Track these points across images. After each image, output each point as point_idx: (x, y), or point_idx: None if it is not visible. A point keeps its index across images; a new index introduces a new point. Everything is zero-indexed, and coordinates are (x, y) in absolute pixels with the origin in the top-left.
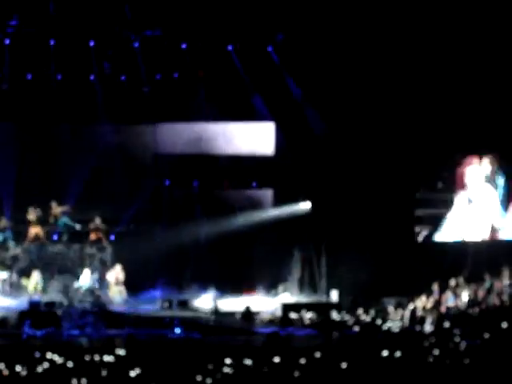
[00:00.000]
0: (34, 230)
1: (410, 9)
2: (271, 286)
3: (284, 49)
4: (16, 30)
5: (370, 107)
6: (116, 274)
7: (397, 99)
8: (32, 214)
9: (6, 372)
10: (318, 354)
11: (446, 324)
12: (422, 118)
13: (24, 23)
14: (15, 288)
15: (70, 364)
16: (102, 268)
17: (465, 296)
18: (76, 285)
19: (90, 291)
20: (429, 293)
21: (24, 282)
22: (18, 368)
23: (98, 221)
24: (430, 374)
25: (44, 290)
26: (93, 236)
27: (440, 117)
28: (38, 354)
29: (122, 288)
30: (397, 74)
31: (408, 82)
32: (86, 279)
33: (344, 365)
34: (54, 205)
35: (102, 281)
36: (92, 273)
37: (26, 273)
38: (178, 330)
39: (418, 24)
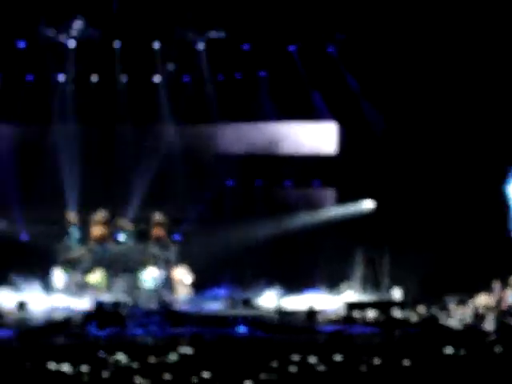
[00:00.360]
0: (98, 231)
1: (476, 4)
2: (334, 285)
3: (345, 48)
4: (80, 32)
5: (431, 104)
6: (182, 273)
7: (461, 95)
8: (98, 216)
9: (70, 372)
10: (380, 352)
11: (509, 321)
12: (489, 112)
13: (88, 25)
14: (79, 288)
15: (134, 364)
16: (167, 267)
17: None
18: (140, 284)
19: (155, 291)
20: (490, 290)
21: (87, 281)
22: (83, 368)
23: (158, 216)
24: (492, 371)
25: (108, 289)
26: (155, 232)
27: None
28: (102, 354)
29: (188, 288)
30: (462, 66)
31: (471, 76)
32: (150, 279)
33: (406, 362)
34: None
35: (166, 280)
36: (156, 272)
37: (89, 273)
38: (242, 329)
39: (481, 18)
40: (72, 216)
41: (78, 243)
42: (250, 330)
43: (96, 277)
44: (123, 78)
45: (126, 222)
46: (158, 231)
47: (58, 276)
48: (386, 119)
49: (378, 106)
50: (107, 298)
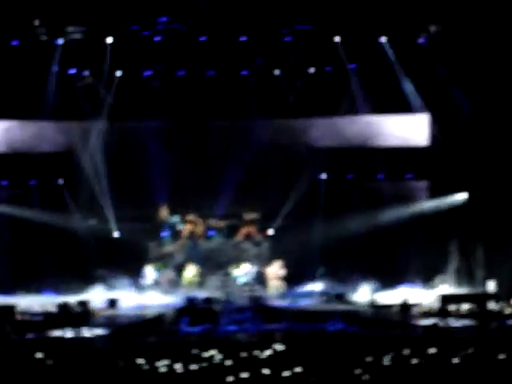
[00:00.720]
0: (190, 227)
1: None
2: (428, 278)
3: (435, 39)
4: (166, 27)
5: None
6: (276, 269)
7: None
8: (191, 216)
9: (163, 369)
10: (475, 346)
11: None
12: None
13: (174, 20)
14: (171, 285)
15: (228, 360)
16: (259, 263)
17: None
18: (233, 280)
19: (247, 287)
20: None
21: (181, 278)
22: (176, 365)
23: (249, 215)
24: None
25: (200, 285)
26: (246, 229)
27: None
28: (195, 351)
29: (281, 283)
30: None
31: None
32: (242, 275)
33: (502, 356)
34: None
35: (259, 276)
36: (248, 268)
37: (181, 269)
38: (336, 324)
39: None
40: (165, 212)
41: (171, 239)
42: (344, 324)
43: (189, 273)
44: (211, 73)
45: (217, 222)
46: (248, 229)
47: (150, 273)
48: (479, 109)
49: (470, 96)
50: (199, 294)
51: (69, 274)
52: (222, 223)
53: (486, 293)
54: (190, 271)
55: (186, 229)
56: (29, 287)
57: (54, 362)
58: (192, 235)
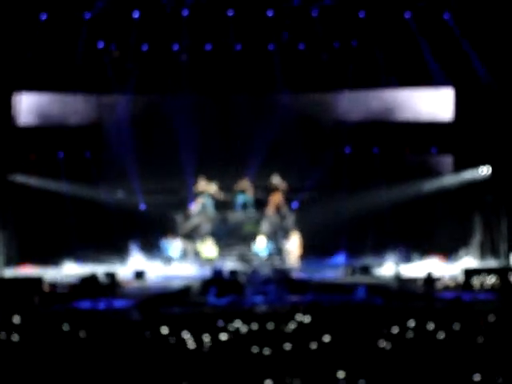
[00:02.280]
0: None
1: None
2: (452, 251)
3: (460, 14)
4: (194, 1)
5: None
6: (293, 240)
7: None
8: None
9: (189, 340)
10: (498, 319)
11: None
12: None
13: None
14: (197, 257)
15: (253, 332)
16: (284, 235)
17: None
18: (254, 252)
19: (269, 258)
20: None
21: (199, 251)
22: (203, 337)
23: (276, 180)
24: None
25: (219, 258)
26: (273, 199)
27: None
28: (221, 323)
29: (300, 256)
30: None
31: None
32: (262, 247)
33: None
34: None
35: (281, 249)
36: (270, 240)
37: (202, 242)
38: (361, 293)
39: None
40: (202, 185)
41: (211, 211)
42: (369, 296)
43: (206, 246)
44: (238, 47)
45: (248, 185)
46: (276, 198)
47: (176, 245)
48: (503, 83)
49: (494, 71)
50: (225, 266)
51: (96, 246)
52: (251, 190)
53: (510, 266)
54: (209, 244)
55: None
56: (56, 259)
57: (82, 334)
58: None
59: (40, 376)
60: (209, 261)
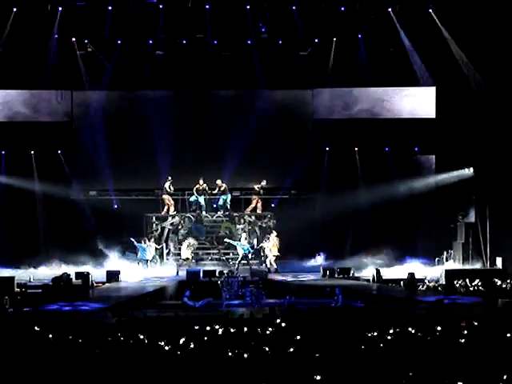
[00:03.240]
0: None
1: None
2: (434, 253)
3: (443, 9)
4: None
5: None
6: (272, 241)
7: None
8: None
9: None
10: (482, 323)
11: None
12: None
13: None
14: (173, 258)
15: (229, 335)
16: (262, 236)
17: None
18: (234, 254)
19: (249, 260)
20: None
21: (180, 252)
22: (179, 340)
23: (256, 185)
24: None
25: (200, 260)
26: (252, 202)
27: None
28: (197, 326)
29: (276, 256)
30: None
31: None
32: (244, 248)
33: (510, 334)
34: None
35: (261, 249)
36: (250, 241)
37: (182, 243)
38: (339, 298)
39: None
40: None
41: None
42: (348, 300)
43: (187, 247)
44: (214, 41)
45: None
46: (255, 201)
47: (151, 246)
48: (487, 82)
49: (479, 69)
50: (201, 267)
51: (68, 246)
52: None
53: (494, 269)
54: (189, 245)
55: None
56: (27, 259)
57: (51, 336)
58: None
59: (8, 377)
60: (186, 260)
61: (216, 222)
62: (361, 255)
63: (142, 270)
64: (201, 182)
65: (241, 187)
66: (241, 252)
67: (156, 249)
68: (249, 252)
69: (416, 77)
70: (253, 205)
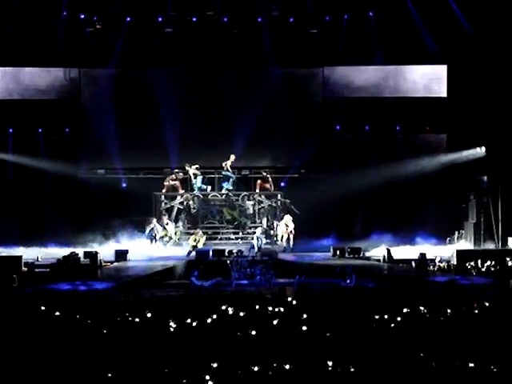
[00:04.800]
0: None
1: None
2: (446, 233)
3: None
4: None
5: None
6: (285, 222)
7: None
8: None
9: (172, 323)
10: (493, 303)
11: None
12: None
13: None
14: (182, 237)
15: (239, 314)
16: (272, 216)
17: None
18: (245, 233)
19: (259, 240)
20: None
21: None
22: (187, 319)
23: (264, 172)
24: None
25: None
26: (260, 184)
27: None
28: (206, 305)
29: (291, 236)
30: None
31: None
32: (255, 228)
33: None
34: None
35: (271, 229)
36: (261, 221)
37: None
38: (352, 279)
39: None
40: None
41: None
42: (359, 280)
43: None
44: (225, 19)
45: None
46: (263, 183)
47: (160, 225)
48: (498, 61)
49: (490, 47)
50: (211, 247)
51: (76, 225)
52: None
53: (505, 249)
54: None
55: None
56: (35, 238)
57: (58, 316)
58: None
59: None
60: (198, 241)
61: (226, 202)
62: (372, 234)
63: (152, 248)
64: (232, 157)
65: (250, 166)
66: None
67: (166, 227)
68: (259, 234)
69: (427, 55)
70: (260, 186)
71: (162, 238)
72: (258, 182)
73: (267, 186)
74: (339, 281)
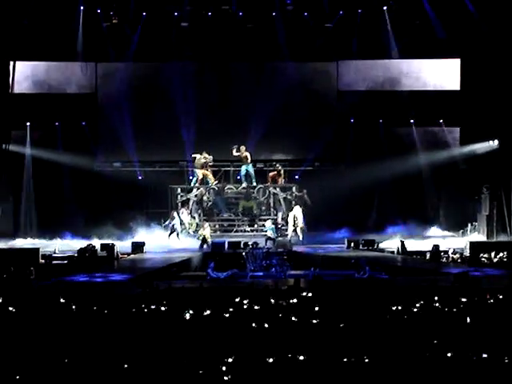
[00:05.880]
0: (202, 172)
1: None
2: (459, 225)
3: None
4: None
5: None
6: (294, 213)
7: None
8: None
9: (188, 315)
10: (507, 295)
11: None
12: None
13: None
14: (198, 229)
15: (254, 306)
16: (286, 208)
17: None
18: (259, 226)
19: (274, 232)
20: None
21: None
22: (203, 311)
23: (277, 165)
24: None
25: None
26: (273, 176)
27: None
28: (222, 297)
29: (298, 229)
30: None
31: None
32: (268, 220)
33: None
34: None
35: (284, 221)
36: (276, 213)
37: (206, 214)
38: (366, 270)
39: None
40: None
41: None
42: (373, 271)
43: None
44: (240, 13)
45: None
46: (274, 177)
47: (176, 217)
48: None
49: (503, 40)
50: (226, 239)
51: (93, 217)
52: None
53: None
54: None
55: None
56: (52, 230)
57: (76, 308)
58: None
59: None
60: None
61: (241, 194)
62: (385, 226)
63: (169, 240)
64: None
65: (264, 159)
66: (266, 226)
67: (182, 219)
68: (273, 226)
69: (440, 48)
70: (273, 178)
71: (184, 229)
72: (270, 174)
73: (278, 179)
74: (353, 272)
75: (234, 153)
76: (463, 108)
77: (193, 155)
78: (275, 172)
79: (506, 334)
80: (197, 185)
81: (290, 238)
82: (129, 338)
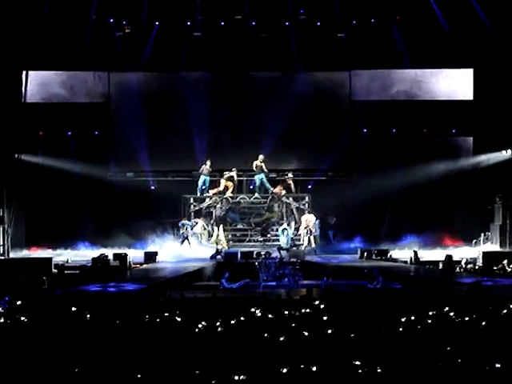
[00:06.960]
0: (228, 185)
1: None
2: (472, 235)
3: None
4: None
5: None
6: (306, 223)
7: None
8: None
9: (201, 325)
10: None
11: None
12: None
13: None
14: (210, 239)
15: (267, 316)
16: (298, 217)
17: None
18: (272, 235)
19: (287, 242)
20: None
21: (214, 233)
22: (217, 321)
23: (289, 174)
24: None
25: (236, 241)
26: (284, 184)
27: None
28: (234, 307)
29: (311, 238)
30: None
31: None
32: (282, 229)
33: None
34: (260, 157)
35: (297, 230)
36: (288, 223)
37: (219, 224)
38: (379, 280)
39: None
40: (205, 167)
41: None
42: (386, 281)
43: (221, 230)
44: (253, 23)
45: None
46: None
47: (188, 227)
48: None
49: None
50: (238, 249)
51: (106, 227)
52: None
53: None
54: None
55: (223, 185)
56: (66, 240)
57: (89, 317)
58: (230, 191)
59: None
60: (223, 243)
61: (254, 204)
62: (398, 237)
63: (180, 250)
64: (261, 157)
65: (278, 168)
66: (279, 236)
67: (194, 228)
68: (286, 236)
69: (453, 58)
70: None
71: (197, 239)
72: (275, 190)
73: (283, 192)
74: (366, 283)
75: (259, 162)
76: (476, 118)
77: (225, 173)
78: (281, 187)
79: None
80: (210, 193)
81: (304, 248)
82: (141, 348)
